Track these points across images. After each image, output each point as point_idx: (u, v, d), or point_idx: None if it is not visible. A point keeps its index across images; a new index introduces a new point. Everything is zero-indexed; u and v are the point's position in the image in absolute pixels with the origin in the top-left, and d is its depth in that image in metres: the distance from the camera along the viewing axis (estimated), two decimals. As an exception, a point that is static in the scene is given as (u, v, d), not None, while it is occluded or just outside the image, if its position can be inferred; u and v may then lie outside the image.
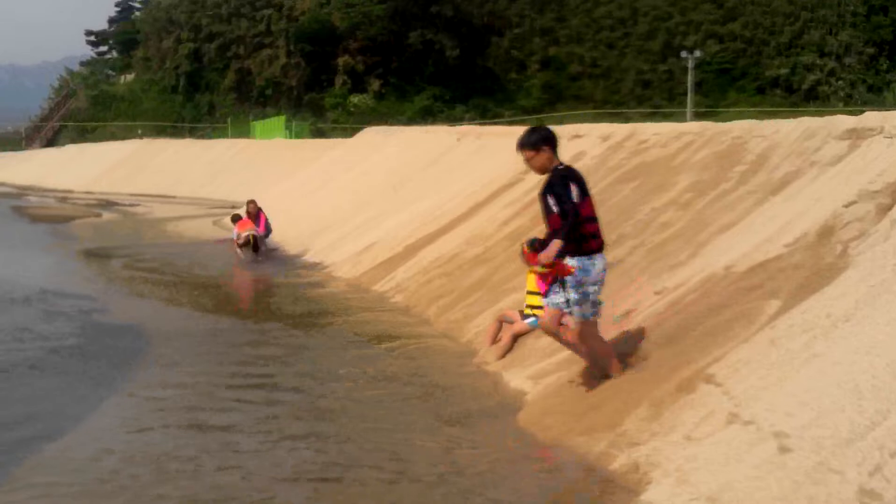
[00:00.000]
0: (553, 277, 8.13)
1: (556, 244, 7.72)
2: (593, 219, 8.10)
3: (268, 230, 22.63)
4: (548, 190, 8.05)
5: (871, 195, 8.38)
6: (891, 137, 9.25)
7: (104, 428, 8.67)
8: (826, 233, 8.35)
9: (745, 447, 6.15)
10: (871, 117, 10.14)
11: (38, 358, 11.38)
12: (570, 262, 7.90)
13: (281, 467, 7.51)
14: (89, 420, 8.88)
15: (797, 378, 6.50)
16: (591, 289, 8.04)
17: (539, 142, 8.24)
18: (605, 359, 8.39)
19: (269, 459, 7.68)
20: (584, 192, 8.04)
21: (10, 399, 9.56)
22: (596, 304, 8.19)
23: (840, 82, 67.28)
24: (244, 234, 21.87)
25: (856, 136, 10.00)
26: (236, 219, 22.54)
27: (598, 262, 8.04)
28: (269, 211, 23.23)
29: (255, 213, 22.74)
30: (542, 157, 8.19)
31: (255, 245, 21.75)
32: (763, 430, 6.18)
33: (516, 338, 10.83)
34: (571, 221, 7.76)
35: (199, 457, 7.76)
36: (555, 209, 7.92)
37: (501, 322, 11.15)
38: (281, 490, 7.01)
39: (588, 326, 8.21)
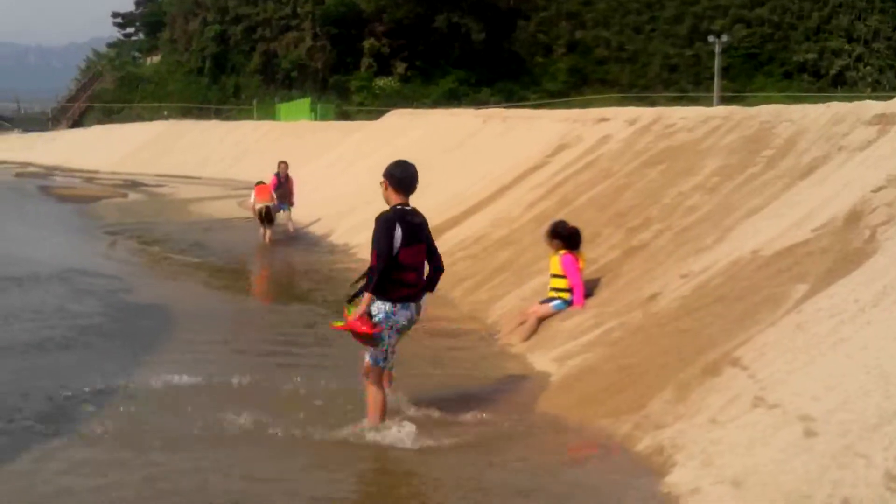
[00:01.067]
0: (360, 336, 7.68)
1: (366, 297, 7.50)
2: (414, 268, 7.71)
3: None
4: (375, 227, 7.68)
5: (899, 180, 8.35)
6: (920, 123, 9.22)
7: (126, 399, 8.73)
8: (854, 218, 8.31)
9: (771, 431, 6.14)
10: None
11: (64, 336, 11.45)
12: (375, 305, 7.58)
13: (302, 445, 7.59)
14: (116, 394, 8.94)
15: (824, 362, 6.48)
16: (386, 334, 7.65)
17: (385, 174, 7.90)
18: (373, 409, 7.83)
19: (284, 438, 7.72)
20: (415, 238, 7.67)
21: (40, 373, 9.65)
22: (388, 355, 7.79)
23: (868, 68, 66.85)
24: (258, 206, 21.96)
25: (885, 121, 9.96)
26: (260, 184, 22.67)
27: (400, 313, 7.64)
28: (295, 191, 23.31)
29: (286, 177, 22.85)
30: (386, 192, 7.85)
31: (269, 216, 21.84)
32: (789, 413, 6.17)
33: (540, 321, 10.84)
34: (380, 267, 7.43)
35: (221, 433, 7.82)
36: (374, 247, 7.59)
37: (530, 313, 11.10)
38: (298, 473, 7.05)
39: (376, 372, 7.81)
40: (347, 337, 7.77)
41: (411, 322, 7.82)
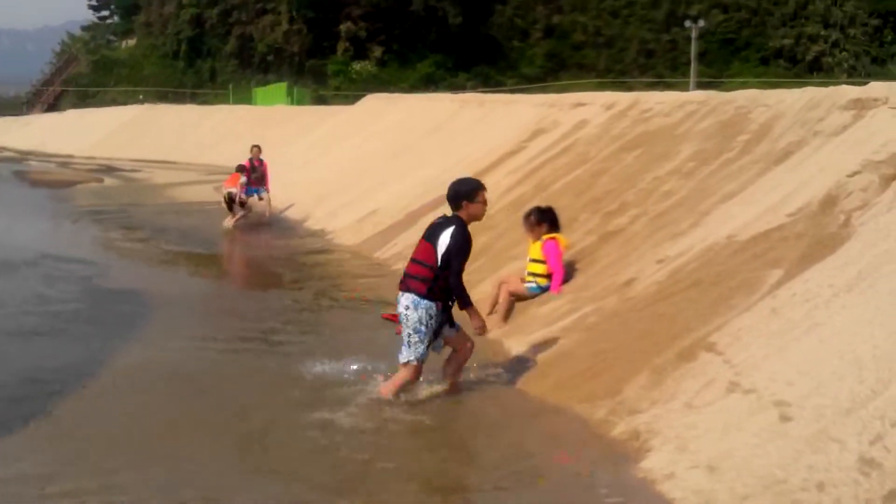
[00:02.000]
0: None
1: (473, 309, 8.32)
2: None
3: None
4: None
5: (874, 165, 8.38)
6: (895, 108, 9.23)
7: (106, 387, 8.70)
8: (829, 203, 8.34)
9: (746, 415, 6.17)
10: (876, 88, 10.14)
11: (38, 322, 11.40)
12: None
13: (275, 421, 7.58)
14: (91, 380, 8.90)
15: (798, 347, 6.51)
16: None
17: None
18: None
19: (271, 420, 7.72)
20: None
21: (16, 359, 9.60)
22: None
23: (844, 53, 67.03)
24: (224, 191, 22.04)
25: (860, 106, 9.99)
26: (240, 169, 22.56)
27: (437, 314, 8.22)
28: (271, 177, 23.19)
29: (259, 161, 22.72)
30: None
31: (232, 202, 21.93)
32: (763, 398, 6.19)
33: (514, 300, 10.82)
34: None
35: (198, 419, 7.81)
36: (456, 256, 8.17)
37: (500, 286, 11.09)
38: (274, 451, 7.04)
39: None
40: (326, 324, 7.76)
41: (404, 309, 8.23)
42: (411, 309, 8.08)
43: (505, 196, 15.64)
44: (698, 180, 11.55)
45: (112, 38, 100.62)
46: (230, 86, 73.22)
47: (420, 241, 8.37)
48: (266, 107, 57.67)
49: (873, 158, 8.49)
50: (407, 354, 8.12)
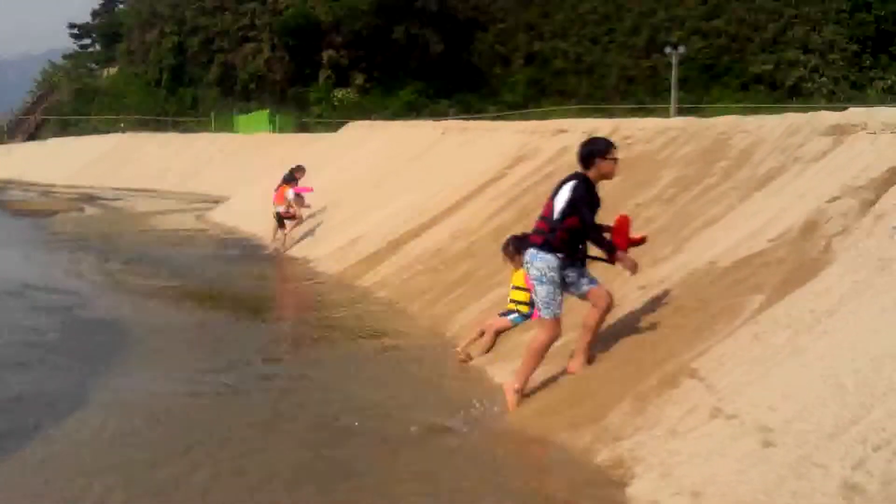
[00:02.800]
0: None
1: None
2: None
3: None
4: None
5: (854, 191, 8.42)
6: (874, 133, 9.29)
7: (84, 419, 8.65)
8: (810, 228, 8.37)
9: (729, 441, 6.17)
10: (855, 113, 10.19)
11: (17, 353, 11.33)
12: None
13: (257, 456, 7.52)
14: (70, 413, 8.85)
15: (780, 373, 6.52)
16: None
17: None
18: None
19: (253, 451, 7.68)
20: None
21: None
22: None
23: (823, 79, 67.37)
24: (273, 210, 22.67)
25: (839, 131, 10.04)
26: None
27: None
28: (252, 206, 23.19)
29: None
30: None
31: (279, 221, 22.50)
32: (746, 424, 6.19)
33: (498, 334, 10.80)
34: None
35: (179, 451, 7.76)
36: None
37: (487, 327, 11.02)
38: (260, 484, 7.00)
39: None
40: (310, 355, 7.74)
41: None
42: (530, 263, 8.41)
43: (487, 223, 15.65)
44: (679, 206, 11.59)
45: (93, 66, 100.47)
46: (212, 113, 73.17)
47: (547, 200, 8.62)
48: (248, 134, 57.65)
49: (853, 184, 8.53)
50: (543, 313, 8.40)
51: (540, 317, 8.48)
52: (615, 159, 8.61)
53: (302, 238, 22.37)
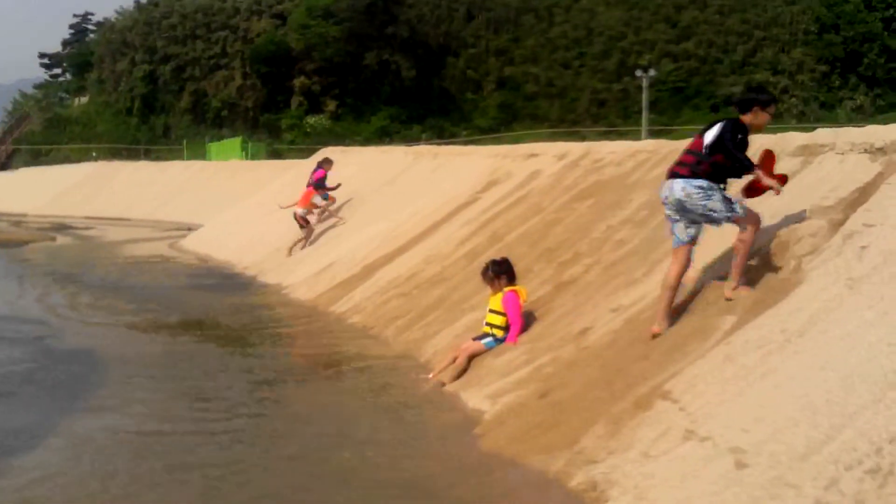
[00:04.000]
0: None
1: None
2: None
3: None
4: None
5: (823, 210, 8.48)
6: (843, 154, 9.35)
7: (54, 449, 8.58)
8: (780, 248, 8.42)
9: (702, 463, 6.16)
10: (823, 134, 10.26)
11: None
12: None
13: (226, 489, 7.47)
14: (41, 445, 8.77)
15: (753, 393, 6.53)
16: None
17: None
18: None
19: (221, 481, 7.63)
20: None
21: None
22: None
23: (793, 99, 67.93)
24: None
25: (808, 152, 10.11)
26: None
27: None
28: (226, 232, 23.11)
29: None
30: None
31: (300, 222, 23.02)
32: (719, 445, 6.19)
33: (471, 358, 10.79)
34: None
35: (148, 480, 7.70)
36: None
37: (461, 351, 11.00)
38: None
39: None
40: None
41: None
42: (684, 190, 8.50)
43: (460, 248, 15.66)
44: (651, 229, 11.62)
45: (64, 95, 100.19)
46: (184, 141, 73.01)
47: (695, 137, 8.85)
48: (221, 162, 57.55)
49: (822, 203, 8.59)
50: (735, 214, 8.43)
51: (736, 218, 8.42)
52: (771, 115, 8.72)
53: (274, 264, 22.30)
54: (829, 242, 7.94)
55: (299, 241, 22.81)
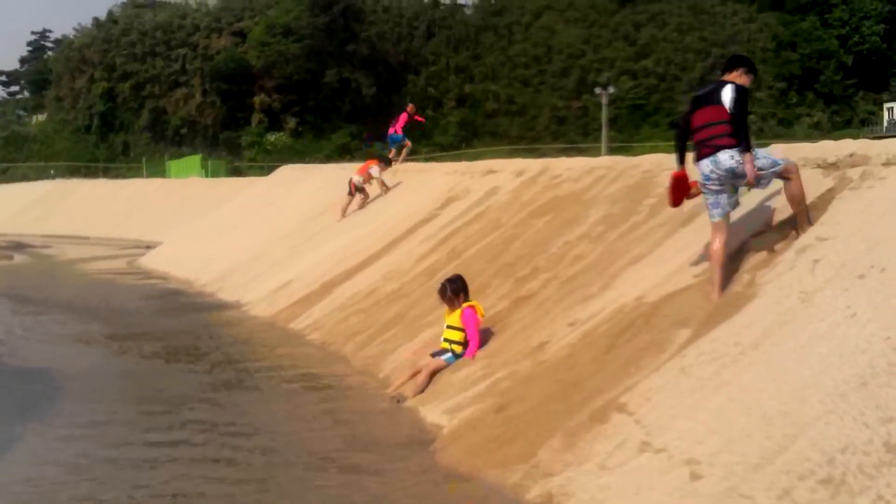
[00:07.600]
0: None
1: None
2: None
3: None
4: None
5: (777, 225, 8.57)
6: (796, 169, 9.45)
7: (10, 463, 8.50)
8: (734, 262, 8.49)
9: (657, 475, 6.20)
10: (777, 150, 10.36)
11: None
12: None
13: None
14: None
15: (707, 405, 6.58)
16: None
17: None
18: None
19: (176, 496, 7.58)
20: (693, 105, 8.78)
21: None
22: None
23: (751, 116, 68.62)
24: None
25: (762, 167, 10.20)
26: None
27: None
28: (185, 250, 22.96)
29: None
30: None
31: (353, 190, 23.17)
32: (674, 457, 6.24)
33: (432, 375, 10.78)
34: None
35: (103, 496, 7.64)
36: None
37: (422, 369, 10.99)
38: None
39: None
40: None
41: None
42: (726, 160, 8.37)
43: (418, 264, 15.66)
44: (607, 244, 11.68)
45: (22, 113, 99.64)
46: (143, 159, 72.77)
47: (698, 112, 8.66)
48: (180, 179, 57.33)
49: (775, 218, 8.69)
50: (779, 167, 8.44)
51: (784, 168, 8.43)
52: (751, 84, 8.79)
53: (233, 281, 22.20)
54: (782, 257, 8.03)
55: (349, 204, 23.00)
